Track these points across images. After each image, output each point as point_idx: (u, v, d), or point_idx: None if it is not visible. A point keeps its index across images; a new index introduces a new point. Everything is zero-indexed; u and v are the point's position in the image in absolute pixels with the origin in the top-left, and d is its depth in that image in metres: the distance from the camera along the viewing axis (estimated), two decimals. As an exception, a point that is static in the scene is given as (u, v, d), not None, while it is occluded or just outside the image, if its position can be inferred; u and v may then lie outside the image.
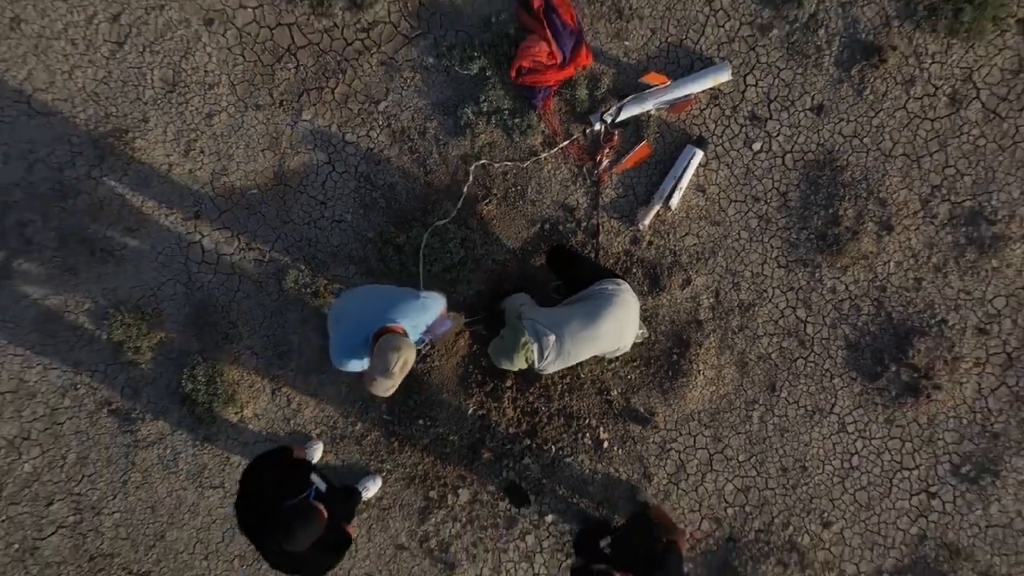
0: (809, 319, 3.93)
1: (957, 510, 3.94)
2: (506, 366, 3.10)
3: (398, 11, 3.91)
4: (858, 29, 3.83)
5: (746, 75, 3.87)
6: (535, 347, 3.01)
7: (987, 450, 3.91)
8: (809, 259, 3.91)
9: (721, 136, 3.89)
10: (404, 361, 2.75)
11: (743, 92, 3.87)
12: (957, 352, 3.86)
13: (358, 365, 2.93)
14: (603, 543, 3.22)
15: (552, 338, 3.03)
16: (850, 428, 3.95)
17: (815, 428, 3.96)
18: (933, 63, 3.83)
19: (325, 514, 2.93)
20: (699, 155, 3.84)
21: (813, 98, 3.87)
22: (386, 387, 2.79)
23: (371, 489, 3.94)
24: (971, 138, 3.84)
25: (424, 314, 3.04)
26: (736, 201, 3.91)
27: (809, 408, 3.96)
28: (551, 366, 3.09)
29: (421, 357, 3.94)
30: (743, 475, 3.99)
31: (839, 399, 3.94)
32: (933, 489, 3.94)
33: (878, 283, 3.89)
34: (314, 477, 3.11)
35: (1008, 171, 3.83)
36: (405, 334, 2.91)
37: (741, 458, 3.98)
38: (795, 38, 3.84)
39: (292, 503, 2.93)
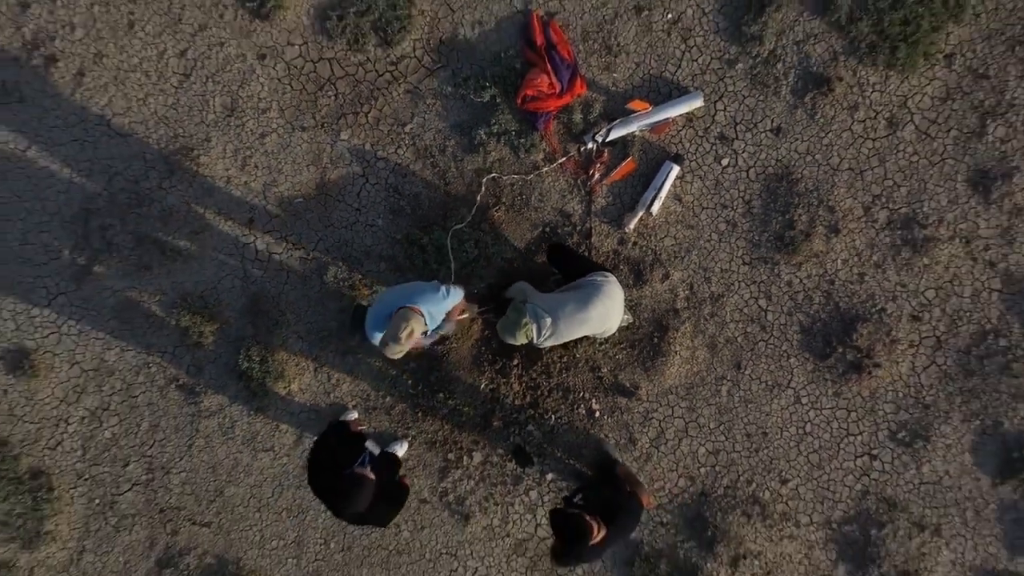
0: (769, 308, 4.64)
1: (894, 469, 4.65)
2: (510, 341, 3.81)
3: (422, 48, 4.62)
4: (810, 63, 4.53)
5: (716, 102, 4.57)
6: (534, 327, 3.72)
7: (919, 419, 4.61)
8: (769, 257, 4.62)
9: (695, 153, 4.60)
10: (411, 330, 3.44)
11: (713, 116, 4.58)
12: (894, 336, 4.57)
13: (379, 336, 3.63)
14: (576, 498, 3.90)
15: (549, 320, 3.74)
16: (804, 400, 4.66)
17: (774, 400, 4.67)
18: (874, 92, 4.53)
19: (373, 478, 3.65)
20: (676, 169, 4.55)
21: (772, 121, 4.57)
22: (395, 351, 3.48)
23: (399, 451, 4.66)
24: (906, 155, 4.54)
25: (442, 302, 3.74)
26: (707, 208, 4.62)
27: (769, 383, 4.67)
28: (547, 342, 3.80)
29: (440, 340, 4.65)
30: (713, 440, 4.70)
31: (795, 376, 4.65)
32: (874, 452, 4.65)
33: (827, 277, 4.60)
34: (368, 444, 3.84)
35: (937, 183, 4.53)
36: (421, 315, 3.61)
37: (712, 426, 4.70)
38: (757, 71, 4.55)
39: (348, 472, 3.64)
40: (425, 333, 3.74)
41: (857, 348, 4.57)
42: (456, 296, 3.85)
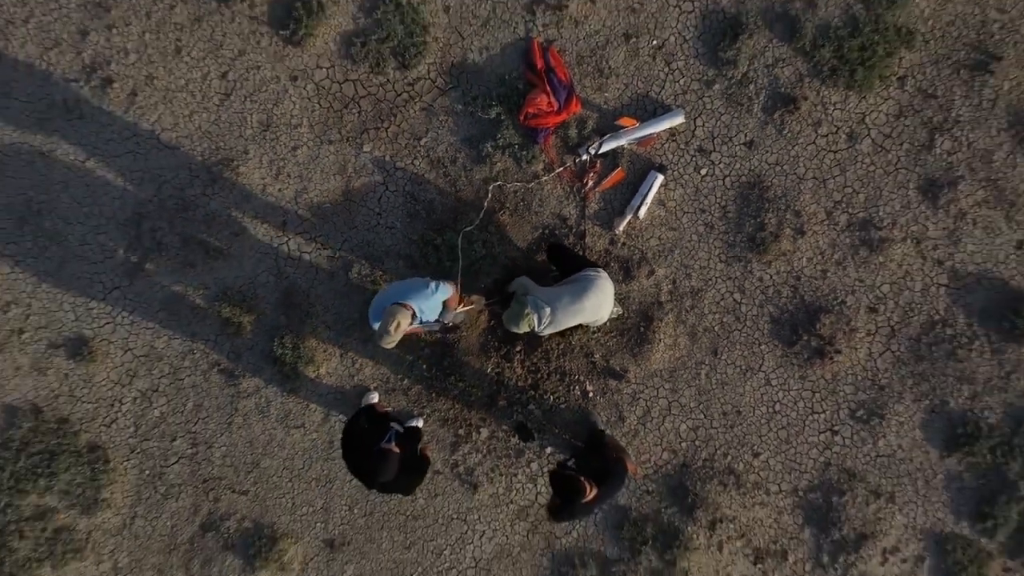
0: (743, 301, 5.24)
1: (853, 444, 5.25)
2: (514, 330, 4.39)
3: (435, 70, 5.22)
4: (779, 84, 5.12)
5: (695, 118, 5.17)
6: (535, 316, 4.31)
7: (875, 399, 5.21)
8: (743, 256, 5.22)
9: (677, 164, 5.20)
10: (397, 323, 3.99)
11: (693, 131, 5.18)
12: (853, 325, 5.17)
13: (377, 325, 4.21)
14: (569, 462, 4.50)
15: (548, 310, 4.33)
16: (774, 382, 5.26)
17: (747, 382, 5.28)
18: (835, 109, 5.12)
19: (397, 451, 4.24)
20: (660, 178, 5.14)
21: (745, 135, 5.17)
22: (386, 340, 4.03)
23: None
24: (864, 165, 5.13)
25: (431, 297, 4.28)
26: (688, 213, 5.22)
27: (743, 367, 5.27)
28: (546, 330, 4.40)
29: (451, 329, 5.26)
30: (693, 418, 5.31)
31: (765, 360, 5.26)
32: (836, 428, 5.25)
33: (794, 274, 5.20)
34: (392, 424, 4.45)
35: (891, 190, 5.12)
36: (410, 309, 4.17)
37: (692, 405, 5.30)
38: (732, 91, 5.14)
39: (377, 449, 4.24)
40: (422, 322, 4.32)
41: (820, 336, 5.17)
42: (445, 291, 4.41)
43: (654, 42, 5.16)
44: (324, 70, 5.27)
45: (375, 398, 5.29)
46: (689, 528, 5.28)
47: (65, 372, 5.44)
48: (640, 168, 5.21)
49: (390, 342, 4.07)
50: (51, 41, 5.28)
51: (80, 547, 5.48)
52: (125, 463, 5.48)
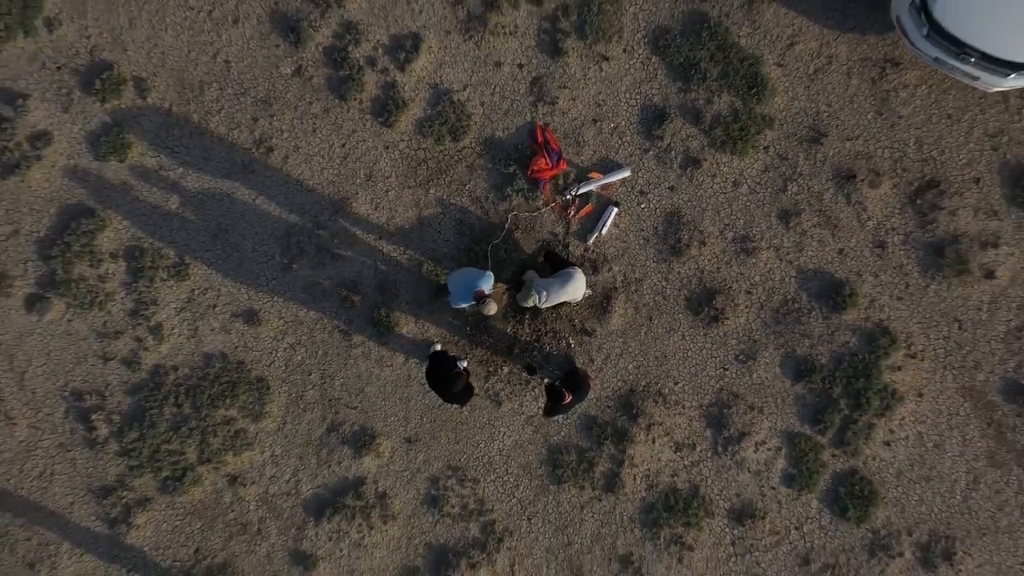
0: (667, 286, 8.34)
1: (738, 376, 8.33)
2: (524, 304, 7.53)
3: (475, 142, 8.34)
4: (689, 151, 8.20)
5: (638, 172, 8.26)
6: (537, 296, 7.44)
7: (750, 348, 8.29)
8: (667, 258, 8.31)
9: (625, 201, 8.30)
10: (494, 304, 7.20)
11: (636, 180, 8.27)
12: (736, 302, 8.25)
13: (464, 305, 7.39)
14: (556, 382, 7.64)
15: (545, 292, 7.45)
16: (687, 338, 8.37)
17: (670, 338, 8.38)
18: (724, 166, 8.20)
19: (465, 376, 7.41)
20: (615, 210, 8.24)
21: (669, 183, 8.26)
22: (492, 311, 7.24)
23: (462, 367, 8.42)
24: (743, 202, 8.20)
25: (487, 283, 7.45)
26: (633, 231, 8.33)
27: (668, 328, 8.37)
28: (544, 305, 7.52)
29: (482, 304, 8.39)
30: (636, 360, 8.42)
31: (681, 324, 8.36)
32: (726, 368, 8.34)
33: (699, 269, 8.29)
34: (459, 363, 7.61)
35: (760, 217, 8.19)
36: (488, 292, 7.32)
37: (635, 352, 8.42)
38: (660, 155, 8.23)
39: (455, 370, 7.40)
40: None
41: (716, 308, 8.26)
42: (490, 278, 7.55)
43: (612, 125, 8.26)
44: (405, 141, 8.40)
45: (439, 347, 8.45)
46: (633, 429, 8.41)
47: (242, 332, 8.64)
48: (603, 203, 8.31)
49: (494, 312, 7.28)
50: (234, 124, 8.46)
51: (251, 442, 8.69)
52: (279, 389, 8.68)
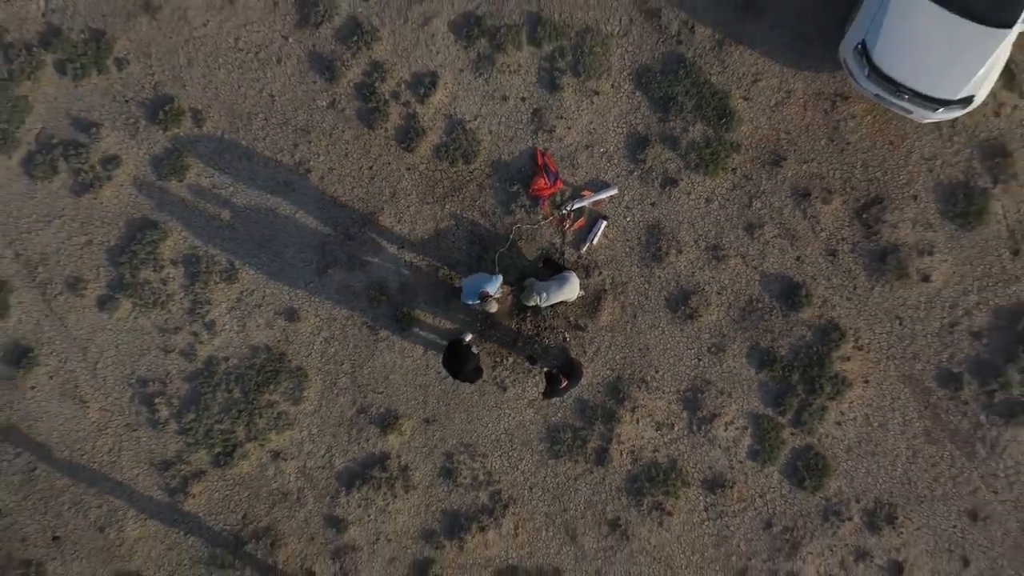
0: (649, 289, 9.70)
1: (709, 365, 9.68)
2: (526, 303, 8.91)
3: (484, 164, 9.71)
4: (668, 172, 9.56)
5: (624, 191, 9.62)
6: (538, 296, 8.81)
7: (720, 341, 9.64)
8: (649, 264, 9.67)
9: (613, 215, 9.66)
10: (495, 303, 8.59)
11: (623, 198, 9.63)
12: (709, 301, 9.60)
13: (472, 302, 8.77)
14: (554, 370, 9.02)
15: (545, 293, 8.83)
16: (666, 332, 9.71)
17: (651, 332, 9.73)
18: (698, 185, 9.57)
19: (476, 357, 8.81)
20: (604, 223, 9.61)
21: (650, 200, 9.62)
22: (493, 309, 8.63)
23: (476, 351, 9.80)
24: (714, 216, 9.55)
25: (495, 285, 8.83)
26: (619, 241, 9.69)
27: (649, 324, 9.73)
28: (544, 304, 8.90)
29: (488, 303, 9.76)
30: (622, 352, 9.78)
31: (661, 320, 9.71)
32: (700, 357, 9.69)
33: (676, 273, 9.66)
34: (473, 348, 9.01)
35: (730, 229, 9.54)
36: (491, 293, 8.71)
37: (621, 344, 9.78)
38: (643, 175, 9.58)
39: (467, 351, 8.80)
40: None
41: (691, 307, 9.62)
42: (498, 280, 8.93)
43: (602, 150, 9.63)
44: (424, 164, 9.79)
45: (469, 337, 9.82)
46: (620, 411, 9.76)
47: (283, 327, 10.03)
48: (594, 217, 9.68)
49: (495, 309, 8.66)
50: (277, 149, 9.86)
51: (291, 423, 10.08)
52: (316, 377, 10.06)
